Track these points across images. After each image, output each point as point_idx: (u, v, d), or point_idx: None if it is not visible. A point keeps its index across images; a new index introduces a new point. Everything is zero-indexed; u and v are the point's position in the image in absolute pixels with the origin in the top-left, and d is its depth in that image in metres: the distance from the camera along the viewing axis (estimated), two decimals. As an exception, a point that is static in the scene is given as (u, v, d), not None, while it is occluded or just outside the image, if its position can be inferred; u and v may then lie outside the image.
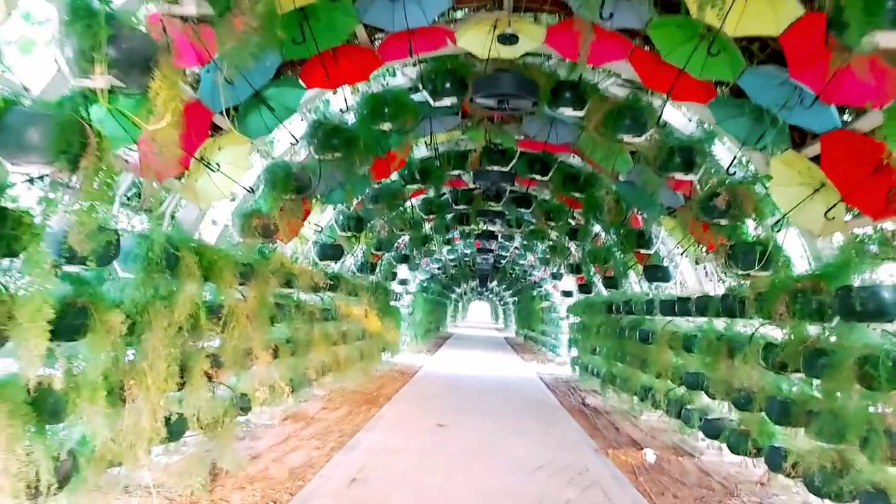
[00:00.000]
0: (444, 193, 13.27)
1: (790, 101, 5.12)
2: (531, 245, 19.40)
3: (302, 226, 8.64)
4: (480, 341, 34.14)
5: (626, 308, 11.86)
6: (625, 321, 12.39)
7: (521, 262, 23.61)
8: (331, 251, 9.67)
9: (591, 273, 15.82)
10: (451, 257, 23.03)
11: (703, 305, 7.95)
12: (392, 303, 18.53)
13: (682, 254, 8.76)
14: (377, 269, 15.09)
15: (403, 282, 20.09)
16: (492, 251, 21.65)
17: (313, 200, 8.72)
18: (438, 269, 24.91)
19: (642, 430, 10.62)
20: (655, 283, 10.03)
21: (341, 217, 9.75)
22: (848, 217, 5.56)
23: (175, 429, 5.52)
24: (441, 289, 32.21)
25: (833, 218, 5.42)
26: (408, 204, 13.31)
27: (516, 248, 21.87)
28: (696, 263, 9.02)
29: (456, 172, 9.95)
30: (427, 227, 16.10)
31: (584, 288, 15.95)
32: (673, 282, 9.87)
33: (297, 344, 8.78)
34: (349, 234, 9.81)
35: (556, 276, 19.24)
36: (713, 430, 7.82)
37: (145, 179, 5.15)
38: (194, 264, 5.09)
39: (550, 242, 16.23)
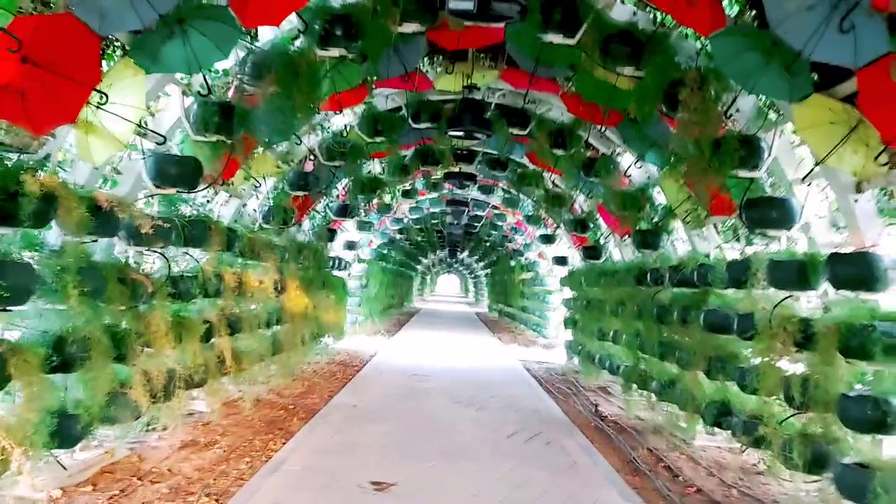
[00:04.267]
0: (400, 108, 8.80)
1: None
2: (515, 199, 15.08)
3: (82, 104, 4.15)
4: (450, 318, 29.96)
5: (675, 277, 7.66)
6: (667, 296, 8.22)
7: (499, 223, 19.29)
8: (175, 170, 5.19)
9: (602, 232, 11.60)
10: (416, 217, 18.60)
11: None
12: (336, 273, 14.10)
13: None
14: (299, 222, 10.61)
15: (352, 245, 15.61)
16: (465, 207, 17.25)
17: (105, 49, 4.25)
18: (400, 232, 20.46)
19: (712, 473, 6.50)
20: (756, 234, 5.80)
21: (196, 108, 5.24)
22: None
23: None
24: (405, 258, 27.77)
25: None
26: (341, 120, 8.84)
27: (494, 206, 17.56)
28: (858, 191, 4.80)
29: (411, 30, 5.47)
30: (377, 167, 11.66)
31: (591, 252, 11.72)
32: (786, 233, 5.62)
33: (78, 343, 4.34)
34: (210, 138, 5.31)
35: (548, 240, 14.99)
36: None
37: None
38: None
39: (546, 190, 11.91)
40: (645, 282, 8.76)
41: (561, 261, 15.13)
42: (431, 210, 18.77)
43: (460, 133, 8.14)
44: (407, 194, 14.90)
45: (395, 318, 25.96)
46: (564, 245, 15.23)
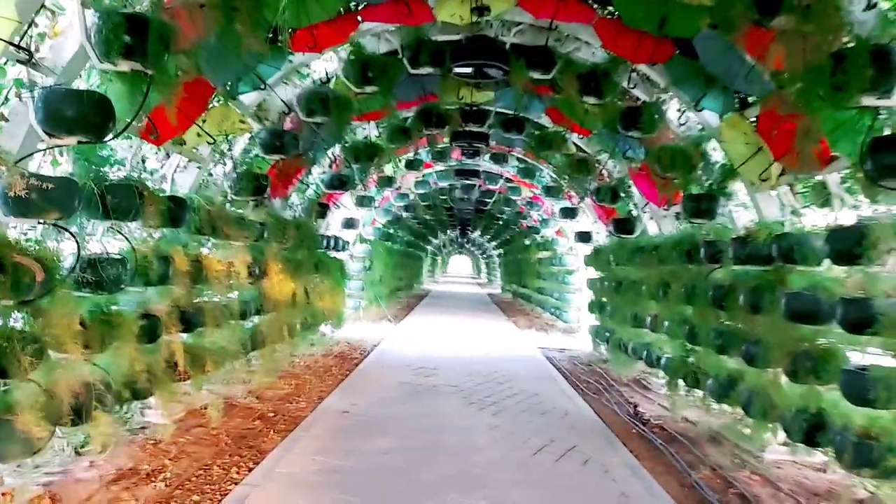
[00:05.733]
0: (396, 52, 7.20)
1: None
2: (532, 169, 13.48)
3: None
4: (461, 300, 28.51)
5: (742, 252, 6.08)
6: (727, 275, 6.65)
7: (513, 198, 17.70)
8: (72, 110, 3.69)
9: (636, 202, 10.03)
10: (422, 192, 17.03)
11: None
12: (334, 254, 12.61)
13: None
14: (285, 195, 9.13)
15: (351, 223, 14.10)
16: (476, 178, 15.66)
17: None
18: (406, 209, 18.90)
19: (800, 502, 5.01)
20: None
21: (97, 22, 3.71)
22: None
23: None
24: (413, 238, 26.26)
25: None
26: (324, 66, 7.32)
27: (508, 179, 15.96)
28: None
29: None
30: (374, 132, 10.11)
31: (623, 225, 10.15)
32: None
33: None
34: (121, 66, 3.79)
35: (570, 213, 13.40)
36: None
37: None
38: None
39: (569, 155, 10.31)
40: (697, 258, 7.20)
41: (584, 237, 13.55)
42: (439, 184, 17.21)
43: (469, 70, 6.53)
44: (411, 165, 13.33)
45: (404, 301, 24.55)
46: (588, 220, 13.65)
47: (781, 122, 5.40)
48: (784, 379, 5.58)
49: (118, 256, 4.68)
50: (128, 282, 4.78)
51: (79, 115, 3.74)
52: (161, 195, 5.07)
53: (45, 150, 3.95)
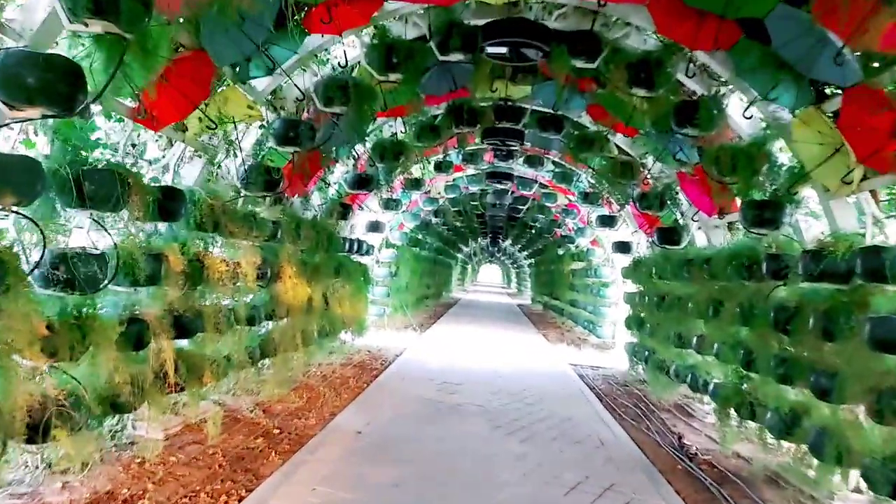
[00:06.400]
0: (424, 37, 6.53)
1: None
2: (569, 174, 12.71)
3: None
4: (490, 310, 27.71)
5: (815, 267, 5.21)
6: (793, 294, 5.79)
7: (547, 204, 16.89)
8: (35, 77, 3.09)
9: (682, 210, 9.19)
10: (452, 196, 16.36)
11: None
12: (357, 258, 12.01)
13: None
14: (305, 193, 8.55)
15: (376, 226, 13.50)
16: (508, 181, 14.85)
17: None
18: (435, 214, 18.26)
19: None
20: None
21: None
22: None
23: None
24: (442, 245, 25.60)
25: None
26: (342, 50, 6.72)
27: (543, 184, 15.14)
28: None
29: None
30: (399, 129, 9.48)
31: (669, 235, 9.28)
32: None
33: None
34: (92, 26, 3.23)
35: (609, 222, 12.55)
36: None
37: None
38: None
39: (611, 158, 9.53)
40: (756, 273, 6.36)
41: (623, 247, 12.68)
42: (470, 189, 16.53)
43: (504, 50, 5.82)
44: (440, 167, 12.68)
45: (432, 308, 23.89)
46: (627, 229, 12.80)
47: (870, 116, 4.61)
48: (862, 417, 4.77)
49: (95, 252, 4.10)
50: (108, 281, 4.20)
51: (41, 83, 3.17)
52: (152, 185, 4.50)
53: (5, 124, 3.38)
